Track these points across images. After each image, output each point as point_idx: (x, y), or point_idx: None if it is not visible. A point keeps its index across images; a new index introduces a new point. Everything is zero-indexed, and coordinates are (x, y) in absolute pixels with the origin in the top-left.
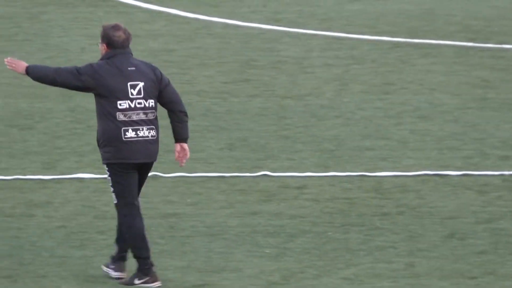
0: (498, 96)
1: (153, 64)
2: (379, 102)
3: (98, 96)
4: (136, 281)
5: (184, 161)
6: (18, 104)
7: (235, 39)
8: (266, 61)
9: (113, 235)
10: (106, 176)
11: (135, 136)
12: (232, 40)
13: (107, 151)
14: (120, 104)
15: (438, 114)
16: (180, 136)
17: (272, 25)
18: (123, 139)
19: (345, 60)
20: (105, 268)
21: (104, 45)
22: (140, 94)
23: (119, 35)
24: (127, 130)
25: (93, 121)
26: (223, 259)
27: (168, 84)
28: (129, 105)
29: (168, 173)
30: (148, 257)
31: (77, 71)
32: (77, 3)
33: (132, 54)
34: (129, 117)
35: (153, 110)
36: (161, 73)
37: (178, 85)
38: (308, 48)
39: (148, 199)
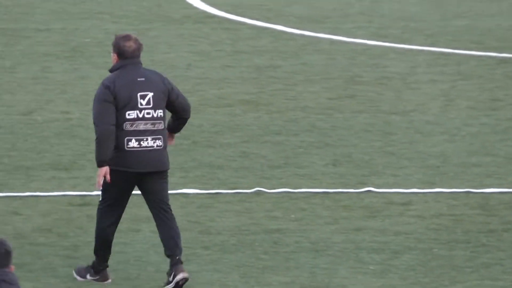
0: None
1: (162, 74)
2: (486, 118)
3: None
4: (88, 277)
5: (172, 143)
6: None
7: (340, 55)
8: (372, 77)
9: (218, 250)
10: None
11: (138, 146)
12: (338, 56)
13: (111, 158)
14: (128, 114)
15: None
16: (176, 131)
17: (378, 41)
18: (126, 148)
19: (451, 76)
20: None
21: (115, 55)
22: (149, 104)
23: (130, 45)
24: (130, 140)
25: (199, 137)
26: (327, 275)
27: (178, 93)
28: (137, 115)
29: (272, 189)
30: (104, 259)
31: (100, 99)
32: (183, 20)
33: (142, 64)
34: (136, 126)
35: (161, 120)
36: (171, 84)
37: (283, 101)
38: (413, 64)
39: (252, 215)
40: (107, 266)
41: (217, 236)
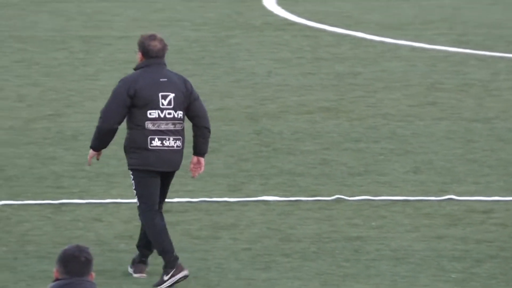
0: None
1: (184, 77)
2: None
3: (131, 106)
4: (165, 278)
5: (197, 174)
6: None
7: (421, 62)
8: (453, 84)
9: (298, 258)
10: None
11: (161, 145)
12: (418, 63)
13: (133, 158)
14: (150, 114)
15: None
16: (199, 151)
17: (459, 47)
18: (149, 147)
19: None
20: (129, 269)
21: (140, 54)
22: (171, 104)
23: (155, 44)
24: (153, 139)
25: (279, 144)
26: (408, 283)
27: (197, 98)
28: (159, 114)
29: (353, 197)
30: (171, 251)
31: (116, 97)
32: (264, 27)
33: (166, 65)
34: (158, 126)
35: (181, 121)
36: (191, 86)
37: (363, 108)
38: (495, 71)
39: (332, 222)
40: (178, 257)
41: (297, 244)
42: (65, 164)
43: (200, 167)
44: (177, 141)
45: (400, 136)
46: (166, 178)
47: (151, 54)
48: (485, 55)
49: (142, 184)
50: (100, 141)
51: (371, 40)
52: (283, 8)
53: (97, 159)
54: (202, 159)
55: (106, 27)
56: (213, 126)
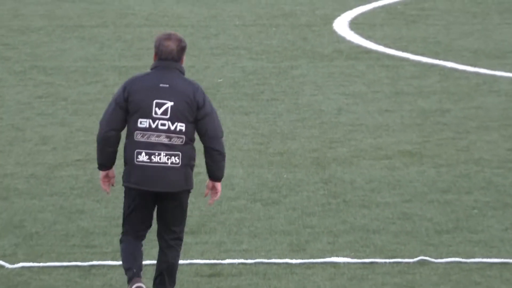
0: None
1: (200, 88)
2: None
3: (127, 112)
4: None
5: (213, 201)
6: (262, 174)
7: None
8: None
9: None
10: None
11: (148, 160)
12: None
13: (123, 172)
14: (140, 122)
15: None
16: (211, 174)
17: None
18: (135, 162)
19: None
20: None
21: (154, 54)
22: (166, 114)
23: (167, 45)
24: (140, 153)
25: (351, 195)
26: None
27: (208, 114)
28: (149, 124)
29: (440, 258)
30: (129, 268)
31: (113, 99)
32: (334, 55)
33: (179, 71)
34: (147, 138)
35: (181, 135)
36: (204, 99)
37: (453, 152)
38: None
39: None
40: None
41: None
42: (95, 218)
43: (215, 192)
44: (173, 157)
45: (497, 186)
46: (162, 201)
47: (161, 55)
48: None
49: (125, 204)
50: (100, 153)
51: (463, 71)
52: (357, 33)
53: (112, 185)
54: (217, 184)
55: (148, 56)
56: (274, 173)
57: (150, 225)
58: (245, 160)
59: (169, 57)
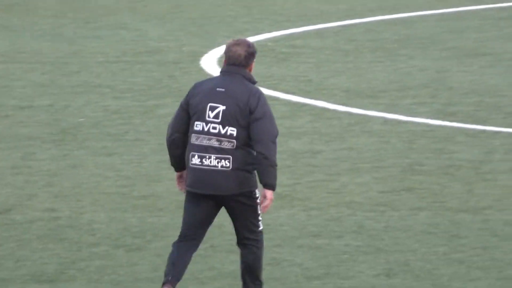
0: None
1: (257, 93)
2: None
3: (189, 115)
4: None
5: (265, 209)
6: (126, 218)
7: (396, 137)
8: (435, 166)
9: None
10: None
11: (200, 163)
12: (393, 139)
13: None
14: (196, 125)
15: None
16: (260, 180)
17: (443, 120)
18: (190, 164)
19: None
20: None
21: (225, 60)
22: (217, 118)
23: (235, 50)
24: (194, 156)
25: (219, 240)
26: None
27: (259, 118)
28: (203, 127)
29: None
30: (167, 274)
31: (180, 105)
32: None
33: (244, 77)
34: (200, 141)
35: (232, 140)
36: (258, 104)
37: (324, 195)
38: (488, 149)
39: None
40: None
41: None
42: None
43: (265, 201)
44: (224, 161)
45: (369, 230)
46: (225, 204)
47: (229, 60)
48: (476, 130)
49: (184, 207)
50: (170, 156)
51: (335, 111)
52: None
53: (183, 191)
54: (267, 192)
55: (4, 94)
56: (138, 217)
57: (203, 230)
58: (107, 204)
59: (236, 62)
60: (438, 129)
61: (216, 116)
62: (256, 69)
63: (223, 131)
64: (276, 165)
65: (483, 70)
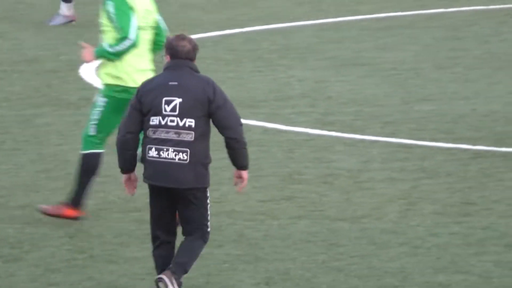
0: None
1: (210, 82)
2: (456, 227)
3: (142, 114)
4: None
5: (241, 188)
6: (3, 229)
7: (276, 147)
8: (314, 175)
9: None
10: None
11: (157, 156)
12: (273, 149)
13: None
14: (152, 120)
15: None
16: (235, 164)
17: (322, 129)
18: (147, 157)
19: (413, 173)
20: None
21: (168, 56)
22: (175, 111)
23: (183, 44)
24: (151, 149)
25: (98, 250)
26: None
27: (220, 106)
28: (159, 121)
29: None
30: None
31: (129, 104)
32: (81, 103)
33: (192, 69)
34: (158, 134)
35: (190, 131)
36: (214, 93)
37: (214, 204)
38: (366, 159)
39: None
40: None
41: None
42: None
43: (241, 180)
44: (181, 154)
45: (249, 239)
46: (177, 198)
47: (180, 55)
48: (354, 139)
49: (150, 203)
50: (120, 157)
51: None
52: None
53: (131, 194)
54: (242, 172)
55: None
56: (15, 228)
57: (172, 225)
58: None
59: (184, 56)
60: (317, 138)
61: (173, 109)
62: None
63: (181, 123)
64: (246, 145)
65: (361, 80)
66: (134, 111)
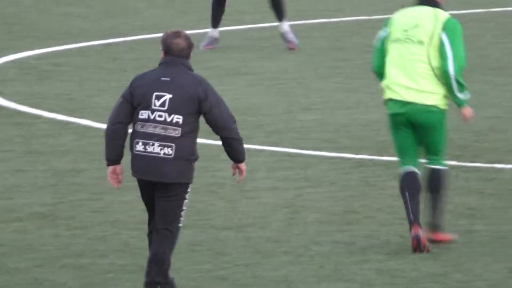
0: (487, 228)
1: (203, 81)
2: (339, 235)
3: (133, 107)
4: None
5: (240, 180)
6: None
7: None
8: (199, 184)
9: None
10: None
11: (143, 150)
12: None
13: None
14: (141, 114)
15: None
16: (234, 159)
17: (208, 139)
18: (134, 151)
19: (297, 182)
20: None
21: (163, 52)
22: (164, 106)
23: (177, 42)
24: (138, 143)
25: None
26: None
27: (213, 106)
28: (148, 116)
29: None
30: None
31: (122, 96)
32: None
33: (186, 66)
34: (145, 128)
35: (177, 127)
36: (206, 92)
37: (88, 214)
38: (251, 167)
39: None
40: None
41: None
42: None
43: (240, 172)
44: (166, 148)
45: (133, 248)
46: (157, 192)
47: (173, 52)
48: None
49: (141, 196)
50: (108, 147)
51: (99, 129)
52: None
53: (117, 185)
54: (240, 165)
55: None
56: None
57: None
58: None
59: (178, 53)
60: (202, 147)
61: (162, 105)
62: (18, 88)
63: (169, 119)
64: (242, 141)
65: (245, 89)
66: (125, 103)
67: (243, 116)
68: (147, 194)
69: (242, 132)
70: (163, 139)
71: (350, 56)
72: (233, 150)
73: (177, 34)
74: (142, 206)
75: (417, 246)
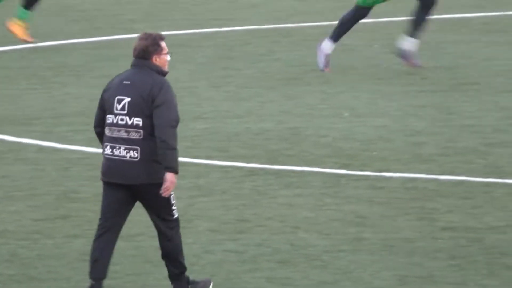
0: (376, 236)
1: (160, 83)
2: (231, 244)
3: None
4: None
5: (166, 191)
6: None
7: (51, 165)
8: (91, 193)
9: None
10: None
11: (111, 153)
12: (48, 167)
13: None
14: (107, 118)
15: (302, 258)
16: (162, 164)
17: (98, 147)
18: (104, 154)
19: (188, 191)
20: None
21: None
22: (124, 110)
23: (140, 43)
24: (106, 146)
25: None
26: None
27: (159, 105)
28: (112, 120)
29: None
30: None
31: (98, 101)
32: None
33: (150, 68)
34: (112, 132)
35: (138, 130)
36: (159, 91)
37: None
38: None
39: None
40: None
41: None
42: None
43: (163, 183)
44: (131, 151)
45: (22, 258)
46: (135, 195)
47: (134, 53)
48: None
49: (102, 197)
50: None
51: None
52: None
53: None
54: (168, 175)
55: None
56: None
57: (120, 219)
58: None
59: (139, 55)
60: (93, 156)
61: (122, 108)
62: None
63: (129, 122)
64: (175, 148)
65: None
66: (99, 108)
67: None
68: (115, 197)
69: None
70: (128, 143)
71: (240, 65)
72: (162, 152)
73: (144, 36)
74: (31, 215)
75: None
